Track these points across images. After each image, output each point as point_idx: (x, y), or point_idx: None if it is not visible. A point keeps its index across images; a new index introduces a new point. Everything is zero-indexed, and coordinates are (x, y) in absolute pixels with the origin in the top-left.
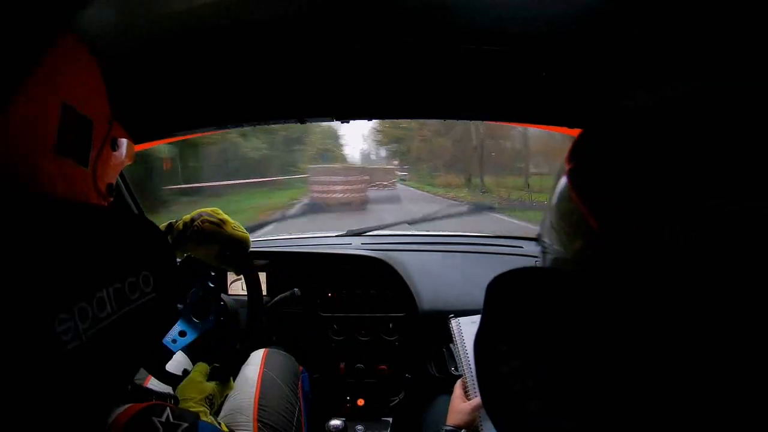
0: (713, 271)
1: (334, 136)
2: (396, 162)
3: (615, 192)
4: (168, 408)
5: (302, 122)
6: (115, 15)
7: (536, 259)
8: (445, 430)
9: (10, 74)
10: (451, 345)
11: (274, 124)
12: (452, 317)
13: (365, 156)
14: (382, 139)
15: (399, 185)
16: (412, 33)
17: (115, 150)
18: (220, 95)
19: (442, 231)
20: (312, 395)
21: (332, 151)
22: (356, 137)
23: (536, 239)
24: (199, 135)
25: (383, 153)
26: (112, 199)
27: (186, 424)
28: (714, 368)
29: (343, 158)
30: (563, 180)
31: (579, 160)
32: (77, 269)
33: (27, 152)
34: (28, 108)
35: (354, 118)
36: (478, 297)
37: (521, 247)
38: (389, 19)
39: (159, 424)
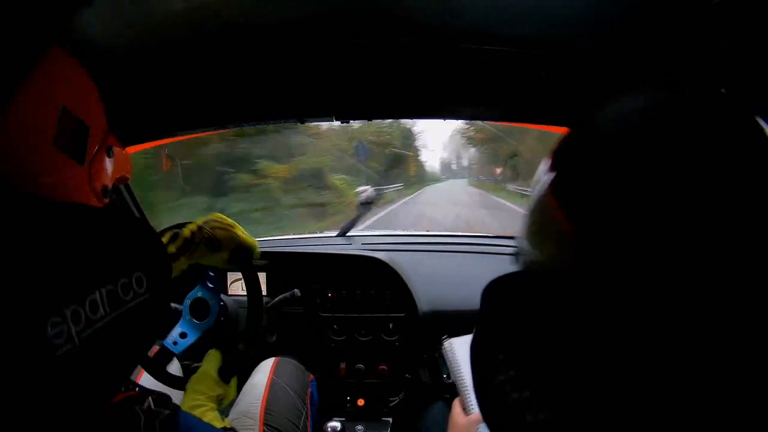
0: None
1: (405, 134)
2: (500, 170)
3: (591, 199)
4: (149, 397)
5: (302, 122)
6: (115, 15)
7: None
8: None
9: (10, 75)
10: (443, 352)
11: (273, 123)
12: (446, 338)
13: (445, 165)
14: (474, 135)
15: None
16: (411, 33)
17: (110, 156)
18: (220, 95)
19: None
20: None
21: (387, 146)
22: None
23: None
24: (198, 135)
25: (476, 157)
26: (107, 201)
27: (167, 411)
28: (699, 368)
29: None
30: (542, 183)
31: (559, 164)
32: (69, 271)
33: (27, 149)
34: (28, 108)
35: (354, 118)
36: (478, 297)
37: None
38: (389, 20)
39: (140, 412)
